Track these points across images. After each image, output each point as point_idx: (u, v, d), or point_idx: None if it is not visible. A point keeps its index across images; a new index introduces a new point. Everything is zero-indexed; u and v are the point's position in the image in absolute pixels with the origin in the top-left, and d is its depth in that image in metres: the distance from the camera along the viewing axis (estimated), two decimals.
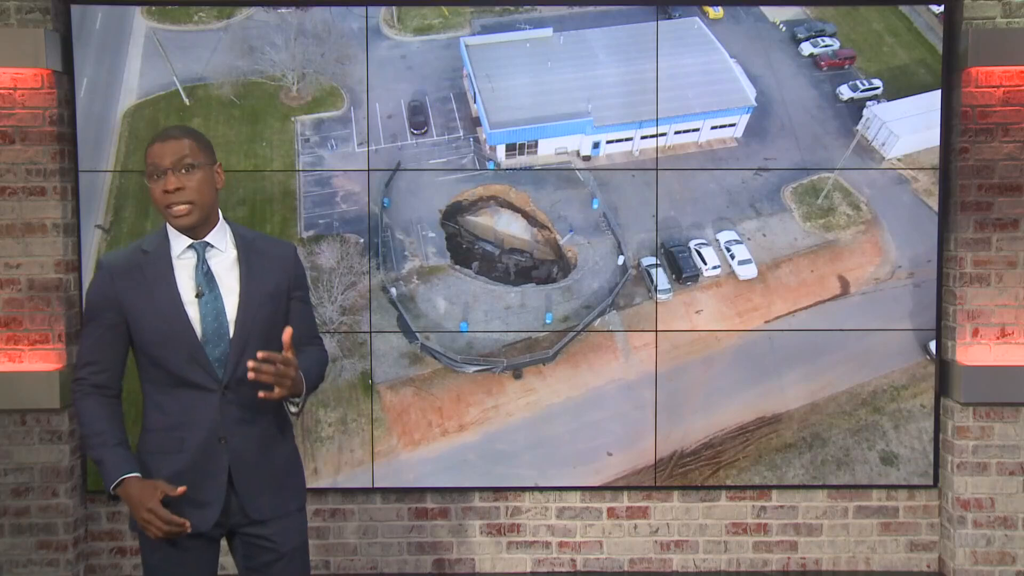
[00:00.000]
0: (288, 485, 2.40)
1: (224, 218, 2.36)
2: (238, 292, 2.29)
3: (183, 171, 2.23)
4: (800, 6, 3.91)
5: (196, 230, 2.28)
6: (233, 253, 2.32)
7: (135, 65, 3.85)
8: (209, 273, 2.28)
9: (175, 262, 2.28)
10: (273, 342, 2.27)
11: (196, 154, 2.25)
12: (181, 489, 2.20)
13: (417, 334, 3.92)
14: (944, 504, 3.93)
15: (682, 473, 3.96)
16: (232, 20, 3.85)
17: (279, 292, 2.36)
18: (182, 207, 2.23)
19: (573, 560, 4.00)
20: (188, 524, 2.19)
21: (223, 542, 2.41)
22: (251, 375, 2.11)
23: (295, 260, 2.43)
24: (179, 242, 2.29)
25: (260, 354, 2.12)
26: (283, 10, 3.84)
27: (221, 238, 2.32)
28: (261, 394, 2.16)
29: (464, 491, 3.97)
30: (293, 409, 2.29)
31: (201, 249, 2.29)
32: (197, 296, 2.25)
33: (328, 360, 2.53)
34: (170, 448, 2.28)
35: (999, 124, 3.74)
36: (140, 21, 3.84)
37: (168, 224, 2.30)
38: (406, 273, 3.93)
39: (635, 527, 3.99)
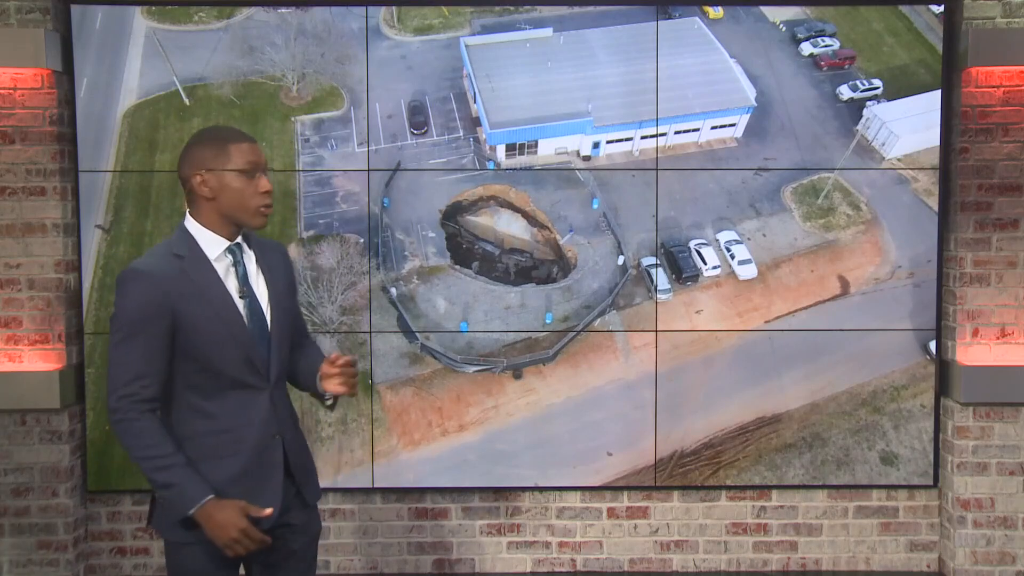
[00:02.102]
0: (315, 474, 2.54)
1: None
2: (267, 292, 2.32)
3: (267, 175, 2.30)
4: (800, 6, 3.91)
5: (235, 232, 2.29)
6: (253, 254, 2.34)
7: (135, 65, 3.85)
8: (245, 274, 2.30)
9: (214, 264, 2.26)
10: (288, 339, 2.39)
11: None
12: (268, 511, 2.21)
13: (417, 334, 3.92)
14: (944, 504, 3.93)
15: (682, 473, 3.96)
16: (232, 20, 3.85)
17: (290, 290, 2.43)
18: (269, 208, 2.27)
19: (573, 560, 4.00)
20: (269, 540, 2.22)
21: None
22: (340, 386, 2.34)
23: (289, 259, 2.51)
24: (215, 244, 2.26)
25: (341, 358, 2.30)
26: (283, 10, 3.84)
27: (244, 240, 2.34)
28: (343, 390, 2.35)
29: (464, 491, 3.97)
30: (328, 404, 2.43)
31: (238, 251, 2.30)
32: (241, 297, 2.26)
33: None
34: (222, 452, 2.25)
35: (999, 124, 3.74)
36: (140, 21, 3.84)
37: (201, 225, 2.26)
38: (406, 273, 3.93)
39: (635, 527, 3.99)
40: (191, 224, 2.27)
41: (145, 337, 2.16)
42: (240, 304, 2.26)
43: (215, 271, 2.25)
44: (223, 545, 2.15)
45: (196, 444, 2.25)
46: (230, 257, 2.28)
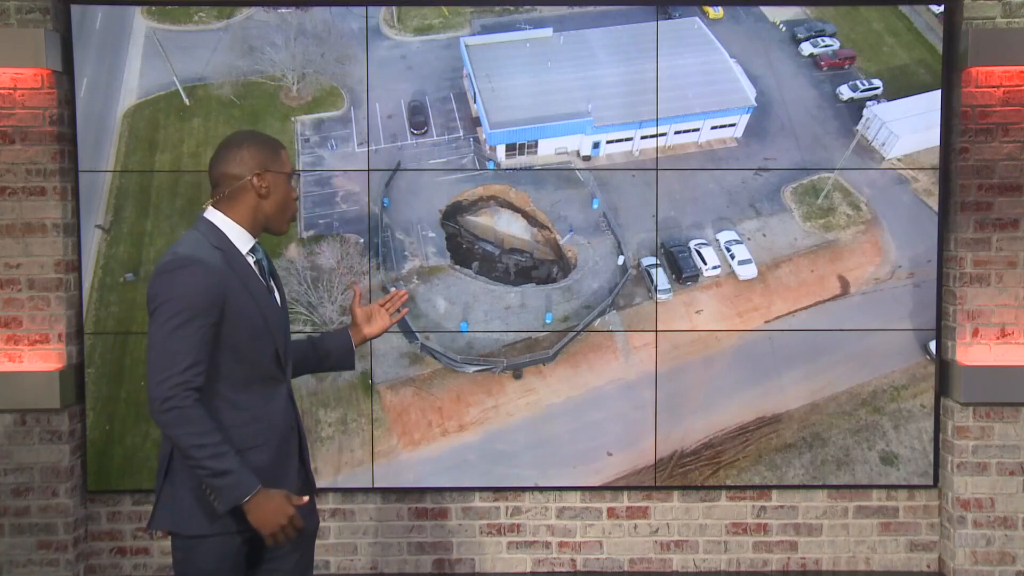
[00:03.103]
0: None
1: None
2: (277, 288, 2.41)
3: None
4: (800, 6, 3.91)
5: (258, 232, 2.35)
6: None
7: (135, 65, 3.85)
8: (269, 269, 2.39)
9: (246, 258, 2.33)
10: None
11: None
12: (305, 499, 2.28)
13: (417, 334, 3.92)
14: (944, 504, 3.93)
15: (682, 473, 3.96)
16: (232, 20, 3.85)
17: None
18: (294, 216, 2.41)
19: (573, 560, 4.00)
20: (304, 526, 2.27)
21: None
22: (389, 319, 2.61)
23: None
24: (245, 240, 2.32)
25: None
26: (283, 10, 3.84)
27: None
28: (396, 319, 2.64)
29: (464, 491, 3.97)
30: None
31: (261, 248, 2.37)
32: (268, 291, 2.34)
33: None
34: (252, 443, 2.27)
35: (999, 124, 3.74)
36: (140, 21, 3.84)
37: (232, 222, 2.29)
38: (406, 273, 3.93)
39: (635, 527, 3.99)
40: (218, 218, 2.29)
41: (201, 324, 2.15)
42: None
43: (250, 265, 2.31)
44: (270, 533, 2.18)
45: (228, 435, 2.25)
46: (254, 254, 2.34)
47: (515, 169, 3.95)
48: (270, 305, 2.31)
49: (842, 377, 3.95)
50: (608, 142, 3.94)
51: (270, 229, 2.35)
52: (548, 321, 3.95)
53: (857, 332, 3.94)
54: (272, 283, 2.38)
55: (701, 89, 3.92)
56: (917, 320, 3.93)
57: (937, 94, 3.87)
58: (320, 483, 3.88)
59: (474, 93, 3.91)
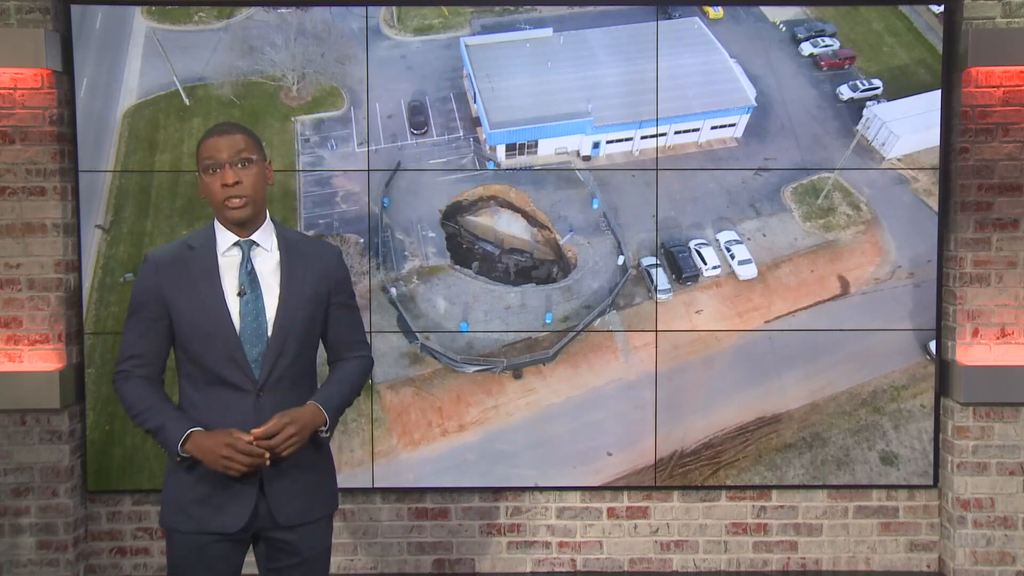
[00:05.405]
0: (319, 492, 2.41)
1: (271, 218, 2.36)
2: (278, 294, 2.28)
3: (240, 165, 2.24)
4: (800, 6, 3.91)
5: (244, 227, 2.28)
6: (277, 254, 2.32)
7: (135, 65, 3.85)
8: (252, 272, 2.28)
9: (220, 259, 2.28)
10: (310, 344, 2.34)
11: (251, 149, 2.27)
12: (248, 437, 2.17)
13: (417, 334, 3.92)
14: (944, 504, 3.93)
15: (682, 473, 3.96)
16: (232, 20, 3.85)
17: (319, 296, 2.35)
18: (238, 200, 2.24)
19: (573, 560, 4.00)
20: (267, 456, 2.19)
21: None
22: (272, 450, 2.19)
23: (338, 264, 2.41)
24: (225, 239, 2.29)
25: (250, 439, 2.17)
26: (283, 10, 3.84)
27: (267, 237, 2.32)
28: (284, 453, 2.22)
29: (464, 491, 3.97)
30: (323, 435, 2.34)
31: (246, 247, 2.29)
32: (239, 295, 2.26)
33: (369, 367, 2.50)
34: None
35: (999, 124, 3.74)
36: (140, 21, 3.84)
37: (217, 220, 2.31)
38: (406, 273, 3.93)
39: (635, 527, 3.99)
40: (216, 220, 2.33)
41: (139, 318, 2.30)
42: (235, 301, 2.25)
43: (216, 265, 2.27)
44: (222, 468, 2.18)
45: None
46: (239, 253, 2.29)
47: (515, 169, 3.95)
48: (218, 307, 2.24)
49: (842, 377, 3.95)
50: (608, 142, 3.94)
51: (224, 221, 2.29)
52: (548, 321, 3.95)
53: (857, 332, 3.94)
54: (256, 286, 2.27)
55: (701, 89, 3.92)
56: (917, 320, 3.93)
57: (937, 94, 3.87)
58: None
59: (474, 93, 3.91)
